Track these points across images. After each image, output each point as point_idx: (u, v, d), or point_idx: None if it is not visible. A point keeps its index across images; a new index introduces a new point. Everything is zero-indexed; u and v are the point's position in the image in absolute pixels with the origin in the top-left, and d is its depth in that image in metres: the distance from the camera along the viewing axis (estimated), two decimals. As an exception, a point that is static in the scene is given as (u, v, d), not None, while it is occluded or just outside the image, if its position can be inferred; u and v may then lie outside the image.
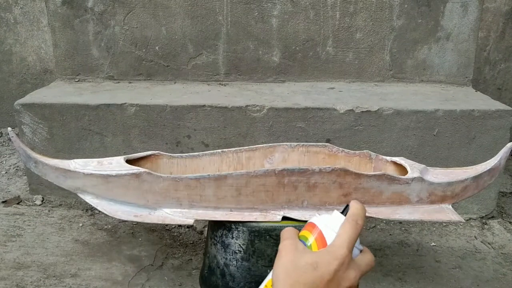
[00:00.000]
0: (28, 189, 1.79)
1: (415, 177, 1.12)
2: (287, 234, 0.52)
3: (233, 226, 1.09)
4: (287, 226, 1.07)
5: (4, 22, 2.43)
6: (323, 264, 0.47)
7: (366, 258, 0.51)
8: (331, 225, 0.51)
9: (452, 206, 1.18)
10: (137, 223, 1.60)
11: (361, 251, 0.52)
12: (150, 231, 1.58)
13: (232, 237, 1.09)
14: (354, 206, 0.51)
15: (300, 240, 0.51)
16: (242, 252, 1.08)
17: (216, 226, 1.13)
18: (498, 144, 1.61)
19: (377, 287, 1.33)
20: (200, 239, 1.55)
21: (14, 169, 2.03)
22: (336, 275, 0.47)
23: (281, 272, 0.48)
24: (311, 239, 0.51)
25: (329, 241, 0.50)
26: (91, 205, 1.18)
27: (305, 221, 1.10)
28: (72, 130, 1.66)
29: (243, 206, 1.10)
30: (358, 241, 0.51)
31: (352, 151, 1.31)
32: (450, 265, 1.44)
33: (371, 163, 1.31)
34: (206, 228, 1.20)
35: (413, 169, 1.17)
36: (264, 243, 1.07)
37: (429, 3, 1.81)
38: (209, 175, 1.08)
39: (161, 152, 1.28)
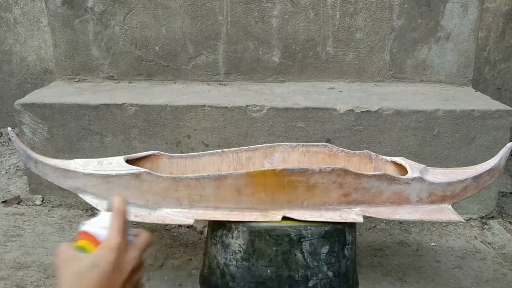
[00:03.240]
0: (28, 189, 1.79)
1: (415, 177, 1.12)
2: (61, 252, 0.53)
3: (233, 226, 1.09)
4: (287, 226, 1.08)
5: (4, 22, 2.43)
6: (101, 259, 0.50)
7: (141, 238, 0.56)
8: (100, 225, 0.54)
9: (452, 206, 1.18)
10: (137, 223, 1.60)
11: (136, 235, 0.56)
12: (150, 231, 1.58)
13: (232, 237, 1.09)
14: (115, 200, 0.56)
15: (78, 251, 0.53)
16: (242, 252, 1.08)
17: (216, 226, 1.13)
18: (498, 144, 1.61)
19: (377, 287, 1.33)
20: (200, 239, 1.55)
21: (14, 169, 2.03)
22: (118, 263, 0.50)
23: (65, 286, 0.49)
24: (87, 245, 0.53)
25: (103, 239, 0.53)
26: (91, 205, 1.18)
27: (305, 221, 1.11)
28: (72, 130, 1.66)
29: (243, 206, 1.10)
30: (130, 229, 0.56)
31: (352, 151, 1.31)
32: (450, 265, 1.44)
33: (371, 163, 1.31)
34: (206, 228, 1.19)
35: (413, 169, 1.17)
36: (264, 243, 1.07)
37: (429, 3, 1.81)
38: (209, 175, 1.08)
39: (161, 152, 1.28)
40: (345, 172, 1.08)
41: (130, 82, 1.91)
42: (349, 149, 1.32)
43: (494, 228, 1.67)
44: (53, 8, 1.82)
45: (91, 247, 0.53)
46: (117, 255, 0.51)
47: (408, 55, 1.88)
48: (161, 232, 1.58)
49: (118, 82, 1.91)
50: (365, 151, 1.32)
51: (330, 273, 1.10)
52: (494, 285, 1.35)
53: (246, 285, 1.09)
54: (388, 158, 1.28)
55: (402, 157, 1.28)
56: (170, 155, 1.29)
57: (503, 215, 1.77)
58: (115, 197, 0.56)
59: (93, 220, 0.56)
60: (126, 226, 0.55)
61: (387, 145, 1.63)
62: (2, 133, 2.47)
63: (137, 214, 1.13)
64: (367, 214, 1.12)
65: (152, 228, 1.59)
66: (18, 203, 1.75)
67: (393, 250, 1.52)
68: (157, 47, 1.86)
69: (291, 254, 1.06)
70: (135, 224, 1.61)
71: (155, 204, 1.13)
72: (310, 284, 1.08)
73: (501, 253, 1.52)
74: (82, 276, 0.49)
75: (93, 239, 0.54)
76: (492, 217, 1.73)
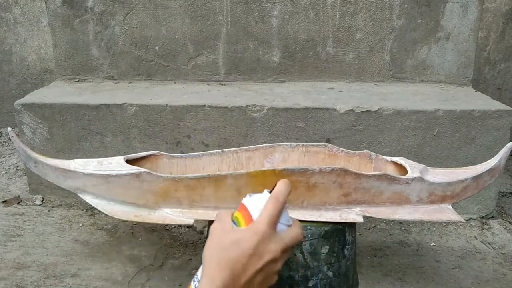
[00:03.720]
0: (28, 189, 1.79)
1: (415, 177, 1.12)
2: (219, 217, 0.55)
3: (233, 226, 1.09)
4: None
5: (4, 22, 2.43)
6: (244, 240, 0.50)
7: (291, 232, 0.54)
8: (257, 205, 0.54)
9: (452, 206, 1.18)
10: (137, 223, 1.60)
11: (290, 225, 0.55)
12: (150, 231, 1.58)
13: (232, 237, 1.09)
14: (278, 184, 0.55)
15: (232, 221, 0.54)
16: (242, 252, 1.08)
17: (216, 226, 1.12)
18: (498, 144, 1.61)
19: (377, 287, 1.33)
20: (200, 239, 1.55)
21: (14, 169, 2.03)
22: (257, 249, 0.50)
23: (208, 254, 0.51)
24: (241, 219, 0.54)
25: (255, 219, 0.53)
26: (91, 205, 1.18)
27: (305, 221, 1.10)
28: (72, 130, 1.66)
29: (243, 206, 1.10)
30: (285, 217, 0.54)
31: (352, 151, 1.31)
32: (450, 265, 1.44)
33: (371, 163, 1.31)
34: (206, 228, 1.19)
35: (413, 169, 1.17)
36: (264, 243, 1.07)
37: (429, 3, 1.81)
38: (209, 175, 1.08)
39: (161, 152, 1.28)
40: (345, 172, 1.08)
41: (130, 82, 1.91)
42: (349, 149, 1.32)
43: (494, 228, 1.67)
44: (53, 8, 1.82)
45: (243, 222, 0.53)
46: (259, 242, 0.50)
47: (408, 55, 1.88)
48: (161, 232, 1.58)
49: (118, 82, 1.91)
50: (365, 151, 1.32)
51: (330, 273, 1.10)
52: (494, 285, 1.35)
53: (246, 285, 1.09)
54: (388, 158, 1.28)
55: (402, 157, 1.27)
56: (170, 155, 1.29)
57: (503, 215, 1.77)
58: (280, 181, 0.55)
59: (254, 196, 0.56)
60: (279, 214, 0.53)
61: (387, 145, 1.63)
62: (2, 133, 2.47)
63: (137, 214, 1.13)
64: (367, 214, 1.12)
65: (152, 228, 1.59)
66: (18, 203, 1.75)
67: (393, 250, 1.52)
68: (157, 47, 1.86)
69: (291, 254, 1.06)
70: (135, 224, 1.61)
71: (155, 204, 1.13)
72: (310, 284, 1.08)
73: (501, 253, 1.52)
74: (224, 248, 0.50)
75: (247, 215, 0.54)
76: (492, 217, 1.73)
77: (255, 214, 0.54)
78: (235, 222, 0.54)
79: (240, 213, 0.55)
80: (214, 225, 0.53)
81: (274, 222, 0.52)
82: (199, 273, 0.54)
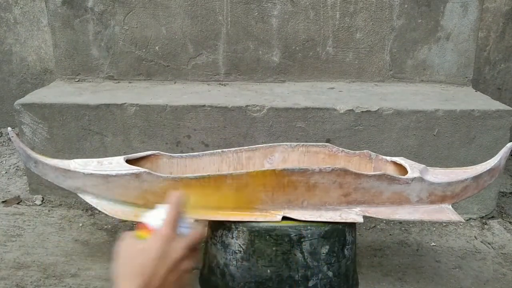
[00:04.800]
0: (28, 189, 1.79)
1: (415, 177, 1.12)
2: (122, 238, 0.59)
3: (233, 226, 1.09)
4: (287, 226, 1.08)
5: (4, 22, 2.43)
6: (150, 246, 0.55)
7: (193, 232, 0.59)
8: (156, 218, 0.60)
9: (452, 206, 1.19)
10: (137, 223, 1.60)
11: (190, 228, 0.60)
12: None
13: (232, 237, 1.09)
14: (170, 195, 0.61)
15: (136, 239, 0.59)
16: (242, 252, 1.08)
17: (216, 226, 1.13)
18: (498, 144, 1.61)
19: (377, 287, 1.33)
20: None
21: (14, 169, 2.03)
22: (163, 251, 0.54)
23: (117, 270, 0.54)
24: (144, 234, 0.59)
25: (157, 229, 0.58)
26: (91, 205, 1.18)
27: (305, 221, 1.11)
28: (72, 130, 1.66)
29: (243, 206, 1.10)
30: (184, 221, 0.60)
31: (352, 151, 1.31)
32: (450, 265, 1.44)
33: (371, 163, 1.31)
34: (206, 228, 1.19)
35: (413, 169, 1.17)
36: (264, 243, 1.07)
37: (429, 3, 1.81)
38: (209, 175, 1.08)
39: (161, 152, 1.28)
40: (345, 172, 1.08)
41: (130, 82, 1.91)
42: (349, 149, 1.32)
43: (494, 228, 1.67)
44: (53, 8, 1.82)
45: (147, 236, 0.58)
46: (163, 244, 0.55)
47: (408, 55, 1.88)
48: (161, 232, 1.58)
49: (118, 82, 1.91)
50: (365, 151, 1.32)
51: (330, 273, 1.10)
52: (494, 285, 1.35)
53: (246, 285, 1.09)
54: (388, 158, 1.28)
55: (402, 157, 1.28)
56: (170, 155, 1.29)
57: (503, 215, 1.77)
58: (173, 192, 0.61)
59: (151, 212, 0.62)
60: (178, 219, 0.58)
61: (387, 145, 1.63)
62: (2, 133, 2.47)
63: (137, 214, 1.13)
64: (367, 214, 1.12)
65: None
66: (18, 203, 1.75)
67: (393, 250, 1.52)
68: (157, 47, 1.86)
69: (291, 254, 1.06)
70: (135, 224, 1.61)
71: (155, 204, 1.13)
72: (310, 284, 1.08)
73: (501, 253, 1.52)
74: (131, 259, 0.54)
75: (150, 229, 0.59)
76: (492, 217, 1.73)
77: (157, 225, 0.59)
78: (139, 239, 0.59)
79: (142, 230, 0.60)
80: (119, 245, 0.57)
81: (174, 226, 0.58)
82: None
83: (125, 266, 0.54)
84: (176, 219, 0.58)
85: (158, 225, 0.58)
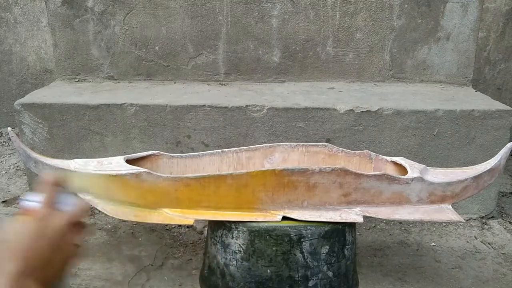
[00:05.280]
0: (28, 189, 1.79)
1: (415, 177, 1.12)
2: (2, 226, 0.57)
3: (233, 226, 1.09)
4: (287, 226, 1.08)
5: (4, 22, 2.43)
6: (25, 227, 0.54)
7: (74, 207, 0.58)
8: (35, 198, 0.58)
9: (452, 206, 1.18)
10: (137, 223, 1.60)
11: (72, 205, 0.59)
12: (150, 231, 1.58)
13: (232, 237, 1.09)
14: (44, 176, 0.59)
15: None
16: (242, 252, 1.08)
17: (216, 226, 1.13)
18: (498, 144, 1.61)
19: (377, 287, 1.33)
20: (200, 239, 1.55)
21: (14, 169, 2.03)
22: (40, 230, 0.53)
23: None
24: (24, 218, 0.57)
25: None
26: (91, 205, 1.18)
27: (305, 221, 1.10)
28: (72, 130, 1.66)
29: (243, 206, 1.10)
30: (67, 199, 0.59)
31: (352, 151, 1.31)
32: (450, 265, 1.44)
33: (371, 163, 1.31)
34: (206, 228, 1.19)
35: (413, 169, 1.17)
36: (264, 243, 1.07)
37: (429, 3, 1.81)
38: (209, 175, 1.08)
39: (161, 152, 1.28)
40: (345, 172, 1.08)
41: (130, 82, 1.91)
42: (349, 149, 1.32)
43: (494, 228, 1.67)
44: (53, 8, 1.82)
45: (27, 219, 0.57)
46: (37, 223, 0.54)
47: (408, 55, 1.88)
48: (161, 232, 1.58)
49: (118, 82, 1.91)
50: (365, 151, 1.32)
51: (330, 273, 1.10)
52: (494, 285, 1.35)
53: (246, 285, 1.09)
54: (388, 158, 1.28)
55: (402, 157, 1.28)
56: (170, 155, 1.29)
57: (503, 215, 1.77)
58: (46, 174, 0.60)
59: (28, 195, 0.60)
60: (53, 196, 0.58)
61: (387, 145, 1.63)
62: (2, 133, 2.47)
63: (137, 214, 1.13)
64: (367, 214, 1.12)
65: (152, 228, 1.59)
66: (18, 203, 1.75)
67: (393, 250, 1.52)
68: (157, 47, 1.86)
69: (291, 254, 1.06)
70: (135, 224, 1.61)
71: (155, 204, 1.13)
72: (310, 284, 1.08)
73: (501, 253, 1.52)
74: (7, 245, 0.52)
75: (28, 211, 0.58)
76: (492, 217, 1.73)
77: (34, 207, 0.58)
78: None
79: (22, 214, 0.58)
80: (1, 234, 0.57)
81: (50, 203, 0.57)
82: None
83: (4, 249, 0.52)
84: (51, 196, 0.57)
85: (35, 206, 0.58)
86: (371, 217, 1.14)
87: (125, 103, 1.62)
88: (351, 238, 1.14)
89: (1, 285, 0.50)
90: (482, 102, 1.70)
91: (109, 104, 1.62)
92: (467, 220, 1.71)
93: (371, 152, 1.31)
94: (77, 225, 0.57)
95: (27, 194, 0.60)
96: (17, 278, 0.50)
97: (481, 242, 1.58)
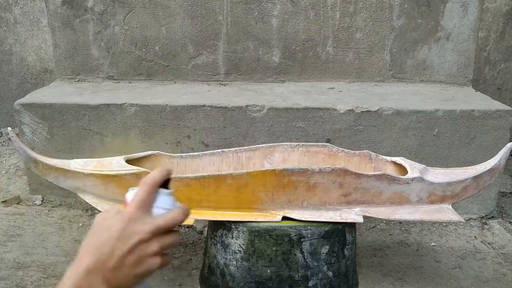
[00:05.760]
0: (28, 189, 1.79)
1: (415, 177, 1.12)
2: (105, 209, 0.58)
3: (233, 226, 1.09)
4: (287, 226, 1.08)
5: (4, 22, 2.43)
6: (113, 224, 0.51)
7: (167, 215, 0.54)
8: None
9: (452, 206, 1.18)
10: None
11: (169, 209, 0.55)
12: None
13: (232, 237, 1.09)
14: (150, 174, 0.55)
15: None
16: (242, 252, 1.08)
17: (216, 226, 1.13)
18: (498, 144, 1.61)
19: (377, 287, 1.33)
20: (200, 239, 1.55)
21: (14, 169, 2.03)
22: (124, 231, 0.51)
23: (84, 241, 0.52)
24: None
25: None
26: (91, 205, 1.18)
27: (305, 221, 1.10)
28: (72, 130, 1.66)
29: (243, 206, 1.10)
30: (165, 201, 0.54)
31: (352, 151, 1.31)
32: (450, 265, 1.44)
33: (371, 163, 1.31)
34: (206, 228, 1.19)
35: (413, 169, 1.17)
36: (264, 243, 1.07)
37: (429, 3, 1.81)
38: (209, 175, 1.08)
39: (161, 152, 1.28)
40: (345, 172, 1.08)
41: (130, 82, 1.91)
42: (349, 149, 1.32)
43: (494, 228, 1.67)
44: (53, 8, 1.82)
45: None
46: (124, 224, 0.51)
47: (408, 55, 1.88)
48: (161, 232, 1.58)
49: (118, 82, 1.91)
50: (365, 151, 1.32)
51: (330, 273, 1.10)
52: (494, 285, 1.35)
53: (246, 285, 1.09)
54: (388, 158, 1.28)
55: (402, 157, 1.28)
56: (170, 155, 1.29)
57: (503, 215, 1.77)
58: (157, 168, 0.56)
59: (135, 188, 0.57)
60: (149, 197, 0.54)
61: (387, 145, 1.63)
62: (2, 133, 2.47)
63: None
64: (367, 214, 1.12)
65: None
66: (18, 203, 1.75)
67: (393, 250, 1.52)
68: (157, 47, 1.86)
69: (291, 254, 1.06)
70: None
71: (155, 204, 1.13)
72: (310, 284, 1.08)
73: (501, 253, 1.52)
74: (95, 234, 0.51)
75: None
76: (492, 217, 1.73)
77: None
78: None
79: (123, 206, 0.55)
80: (96, 217, 0.54)
81: (144, 205, 0.53)
82: None
83: (89, 239, 0.51)
84: (147, 197, 0.53)
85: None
86: (371, 217, 1.14)
87: (125, 103, 1.62)
88: (351, 238, 1.14)
89: (75, 276, 0.49)
90: (482, 102, 1.70)
91: (109, 104, 1.62)
92: (467, 220, 1.71)
93: (371, 152, 1.31)
94: (167, 233, 0.53)
95: (134, 189, 0.56)
96: (87, 273, 0.49)
97: (481, 242, 1.58)
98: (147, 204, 0.53)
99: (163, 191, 0.55)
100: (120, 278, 0.50)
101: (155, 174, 0.54)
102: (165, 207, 0.54)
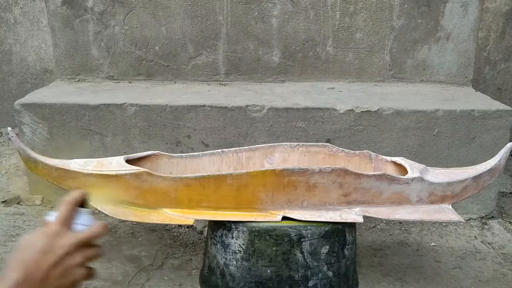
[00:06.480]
0: (28, 189, 1.79)
1: (415, 177, 1.12)
2: (28, 232, 0.61)
3: (233, 226, 1.09)
4: (287, 226, 1.08)
5: (4, 22, 2.43)
6: (37, 240, 0.56)
7: (87, 229, 0.59)
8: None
9: (452, 206, 1.18)
10: (137, 223, 1.60)
11: (88, 225, 0.60)
12: (150, 231, 1.58)
13: (232, 237, 1.09)
14: (70, 193, 0.61)
15: None
16: (242, 252, 1.08)
17: (216, 226, 1.13)
18: (498, 144, 1.61)
19: (377, 287, 1.33)
20: (200, 239, 1.55)
21: (14, 169, 2.03)
22: (48, 246, 0.55)
23: (11, 259, 0.55)
24: None
25: None
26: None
27: (305, 221, 1.10)
28: (72, 130, 1.66)
29: (243, 206, 1.10)
30: (84, 218, 0.60)
31: (352, 151, 1.31)
32: (450, 265, 1.44)
33: (371, 163, 1.31)
34: (206, 228, 1.19)
35: (413, 169, 1.17)
36: (264, 243, 1.07)
37: (429, 3, 1.81)
38: (209, 175, 1.08)
39: (161, 152, 1.28)
40: (345, 172, 1.08)
41: (130, 82, 1.91)
42: (349, 149, 1.32)
43: (494, 228, 1.67)
44: (53, 8, 1.82)
45: None
46: (48, 239, 0.55)
47: (408, 55, 1.88)
48: (161, 232, 1.58)
49: (118, 82, 1.91)
50: (365, 151, 1.32)
51: (330, 273, 1.10)
52: (494, 285, 1.35)
53: (246, 285, 1.09)
54: (388, 158, 1.28)
55: (402, 157, 1.28)
56: (170, 155, 1.29)
57: (503, 215, 1.77)
58: (73, 191, 0.62)
59: (56, 210, 0.62)
60: (70, 215, 0.59)
61: (387, 145, 1.63)
62: (2, 133, 2.47)
63: (137, 214, 1.13)
64: (367, 214, 1.12)
65: (152, 228, 1.59)
66: (18, 203, 1.75)
67: (393, 250, 1.52)
68: (157, 47, 1.86)
69: (291, 254, 1.06)
70: (135, 224, 1.61)
71: (155, 204, 1.13)
72: (310, 284, 1.08)
73: (501, 253, 1.52)
74: (19, 253, 0.55)
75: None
76: (492, 217, 1.73)
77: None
78: None
79: (46, 227, 0.60)
80: (21, 239, 0.59)
81: (65, 222, 0.58)
82: None
83: (14, 258, 0.55)
84: (66, 216, 0.59)
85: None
86: (371, 217, 1.14)
87: (125, 103, 1.62)
88: (351, 238, 1.14)
89: None
90: (482, 102, 1.70)
91: (109, 104, 1.62)
92: (467, 220, 1.71)
93: (371, 152, 1.31)
94: (88, 247, 0.58)
95: (55, 210, 0.61)
96: (16, 287, 0.51)
97: (481, 242, 1.58)
98: (68, 221, 0.58)
99: (82, 210, 0.61)
100: None
101: (74, 195, 0.61)
102: (84, 223, 0.60)
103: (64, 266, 0.55)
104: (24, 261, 0.53)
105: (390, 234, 1.62)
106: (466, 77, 1.91)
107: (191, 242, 1.54)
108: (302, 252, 1.07)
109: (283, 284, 1.07)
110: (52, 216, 0.60)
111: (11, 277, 0.52)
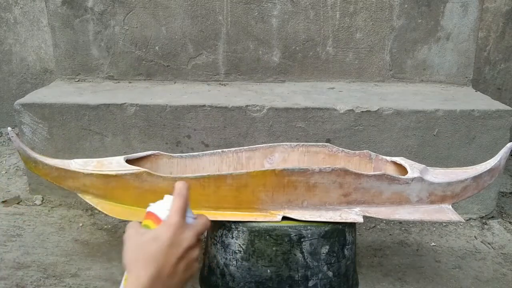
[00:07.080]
0: (28, 189, 1.79)
1: (415, 177, 1.12)
2: (129, 226, 0.59)
3: (233, 226, 1.09)
4: (287, 226, 1.08)
5: (4, 22, 2.43)
6: (161, 234, 0.54)
7: (200, 220, 0.59)
8: (164, 207, 0.59)
9: (452, 206, 1.19)
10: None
11: (195, 218, 0.60)
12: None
13: (232, 237, 1.09)
14: (176, 184, 0.60)
15: (143, 228, 0.59)
16: (242, 252, 1.08)
17: (216, 226, 1.13)
18: (498, 144, 1.61)
19: (377, 287, 1.33)
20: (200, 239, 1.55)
21: (14, 169, 2.03)
22: (175, 239, 0.54)
23: (129, 257, 0.54)
24: (150, 224, 0.58)
25: (164, 219, 0.58)
26: (91, 205, 1.18)
27: (305, 221, 1.10)
28: (72, 130, 1.66)
29: (243, 206, 1.10)
30: (190, 212, 0.60)
31: (352, 151, 1.31)
32: (450, 265, 1.44)
33: (371, 163, 1.31)
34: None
35: (413, 169, 1.17)
36: (264, 243, 1.07)
37: (429, 3, 1.81)
38: (209, 175, 1.08)
39: (161, 152, 1.28)
40: (345, 172, 1.08)
41: (130, 82, 1.91)
42: (349, 149, 1.32)
43: (494, 228, 1.67)
44: (53, 8, 1.82)
45: (154, 225, 0.58)
46: (174, 232, 0.54)
47: (408, 55, 1.88)
48: (161, 232, 1.58)
49: (118, 82, 1.91)
50: (365, 151, 1.32)
51: (330, 273, 1.10)
52: (494, 285, 1.35)
53: (246, 285, 1.09)
54: (388, 158, 1.28)
55: (402, 157, 1.28)
56: (170, 155, 1.29)
57: (503, 215, 1.77)
58: (177, 182, 0.60)
59: (158, 202, 0.61)
60: (185, 208, 0.58)
61: (387, 145, 1.63)
62: (2, 133, 2.47)
63: (137, 214, 1.13)
64: (367, 214, 1.12)
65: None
66: (18, 203, 1.75)
67: (393, 250, 1.52)
68: (157, 47, 1.86)
69: (291, 254, 1.06)
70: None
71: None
72: (310, 284, 1.08)
73: (501, 253, 1.52)
74: (143, 247, 0.53)
75: (156, 218, 0.58)
76: (492, 217, 1.73)
77: (163, 215, 0.58)
78: (145, 229, 0.59)
79: (148, 219, 0.59)
80: (127, 233, 0.57)
81: (183, 214, 0.57)
82: (123, 281, 0.57)
83: (137, 253, 0.53)
84: (184, 207, 0.58)
85: (165, 215, 0.58)
86: (371, 217, 1.14)
87: (125, 103, 1.62)
88: (351, 238, 1.14)
89: None
90: (482, 102, 1.70)
91: (109, 104, 1.62)
92: (467, 220, 1.71)
93: (371, 152, 1.31)
94: (198, 240, 0.57)
95: (157, 202, 0.61)
96: (149, 285, 0.50)
97: (481, 242, 1.58)
98: (185, 214, 0.57)
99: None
100: (173, 285, 0.53)
101: (184, 187, 0.59)
102: (190, 215, 0.60)
103: (188, 259, 0.55)
104: (151, 257, 0.52)
105: (390, 234, 1.62)
106: (466, 77, 1.91)
107: (191, 242, 1.54)
108: (302, 252, 1.07)
109: (283, 284, 1.07)
110: (159, 208, 0.59)
111: (141, 275, 0.51)
